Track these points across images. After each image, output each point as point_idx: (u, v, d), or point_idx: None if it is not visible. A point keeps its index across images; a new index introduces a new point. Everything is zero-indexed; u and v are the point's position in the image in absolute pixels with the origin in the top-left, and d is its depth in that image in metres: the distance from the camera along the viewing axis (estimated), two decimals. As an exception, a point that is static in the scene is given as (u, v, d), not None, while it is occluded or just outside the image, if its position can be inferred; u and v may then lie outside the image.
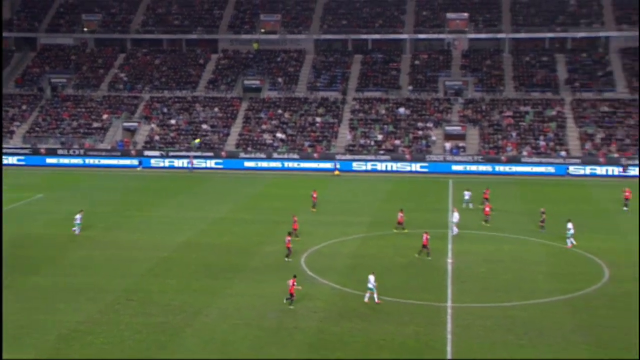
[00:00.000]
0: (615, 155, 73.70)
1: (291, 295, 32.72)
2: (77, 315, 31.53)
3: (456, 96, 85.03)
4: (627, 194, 54.22)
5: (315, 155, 78.00)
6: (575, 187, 66.14)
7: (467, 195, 54.64)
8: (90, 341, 28.84)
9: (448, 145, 78.01)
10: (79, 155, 79.79)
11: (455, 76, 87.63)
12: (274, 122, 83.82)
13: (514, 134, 78.40)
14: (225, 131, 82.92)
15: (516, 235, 46.22)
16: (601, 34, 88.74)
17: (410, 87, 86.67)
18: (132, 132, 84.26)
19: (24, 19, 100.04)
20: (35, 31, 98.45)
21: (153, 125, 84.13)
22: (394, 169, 75.68)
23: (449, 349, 28.08)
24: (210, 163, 77.94)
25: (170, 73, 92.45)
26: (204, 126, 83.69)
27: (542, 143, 76.50)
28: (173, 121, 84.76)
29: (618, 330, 29.79)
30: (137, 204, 57.09)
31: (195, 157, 77.67)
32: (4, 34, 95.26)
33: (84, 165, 78.28)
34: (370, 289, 33.08)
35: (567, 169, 72.43)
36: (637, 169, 70.32)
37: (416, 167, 75.53)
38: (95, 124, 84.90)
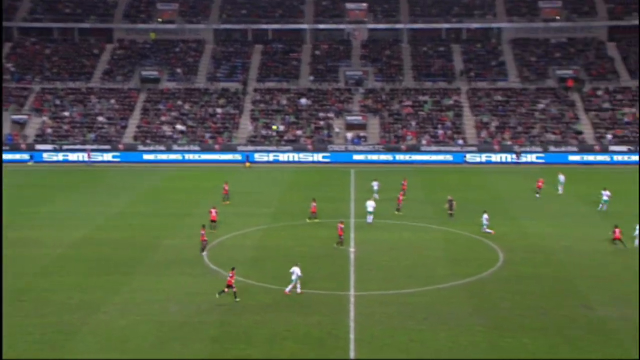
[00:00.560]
0: (509, 142, 76.89)
1: (229, 286, 32.38)
2: (-36, 319, 29.97)
3: (357, 86, 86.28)
4: (540, 183, 56.20)
5: (217, 146, 77.32)
6: (472, 174, 68.56)
7: (375, 185, 55.47)
8: (-21, 346, 27.52)
9: (349, 135, 79.09)
10: (-37, 150, 75.82)
11: (355, 66, 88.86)
12: (173, 113, 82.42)
13: (413, 123, 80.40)
14: (123, 123, 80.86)
15: (416, 223, 47.46)
16: (494, 25, 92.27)
17: (311, 77, 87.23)
18: (21, 125, 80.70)
19: None
20: None
21: (45, 118, 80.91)
22: (296, 159, 76.04)
23: (351, 336, 28.58)
24: (107, 156, 75.88)
25: (62, 63, 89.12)
26: (100, 118, 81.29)
27: (440, 132, 78.80)
28: (67, 113, 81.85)
29: (511, 312, 31.16)
30: (30, 200, 54.86)
31: (92, 150, 75.38)
32: None
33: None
34: (293, 281, 33.34)
35: (465, 156, 74.99)
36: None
37: (318, 157, 76.21)
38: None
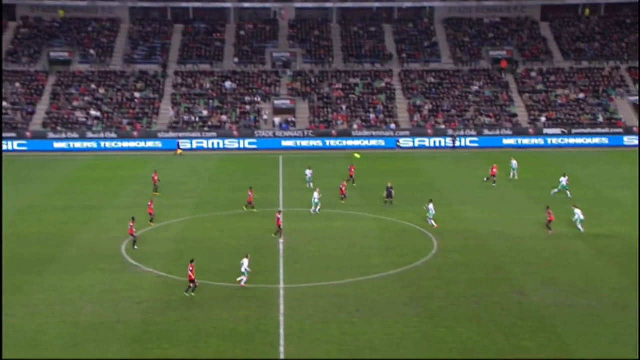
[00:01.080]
0: (442, 126, 78.29)
1: (191, 282, 32.21)
2: None
3: (284, 68, 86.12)
4: (494, 170, 56.92)
5: (135, 133, 76.00)
6: (406, 159, 69.53)
7: (308, 173, 55.51)
8: None
9: (277, 120, 78.99)
10: None
11: (282, 47, 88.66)
12: (87, 98, 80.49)
13: (344, 107, 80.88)
14: (30, 109, 78.49)
15: (349, 212, 47.85)
16: (426, 3, 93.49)
17: (236, 59, 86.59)
18: None
19: None
20: None
21: (-58, 104, 77.79)
22: (221, 146, 75.51)
23: (281, 331, 28.71)
24: (13, 145, 73.59)
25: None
26: (4, 104, 78.62)
27: (372, 116, 79.55)
28: (-33, 98, 78.89)
29: (446, 301, 31.90)
30: None
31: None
32: None
33: None
34: (244, 273, 33.38)
35: (397, 141, 75.96)
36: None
37: (244, 143, 75.86)
38: None
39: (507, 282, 34.19)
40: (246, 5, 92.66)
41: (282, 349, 27.19)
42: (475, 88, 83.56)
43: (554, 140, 76.86)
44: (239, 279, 33.66)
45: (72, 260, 37.70)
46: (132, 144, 74.84)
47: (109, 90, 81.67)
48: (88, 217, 46.17)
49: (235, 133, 76.72)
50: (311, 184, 54.42)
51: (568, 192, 50.86)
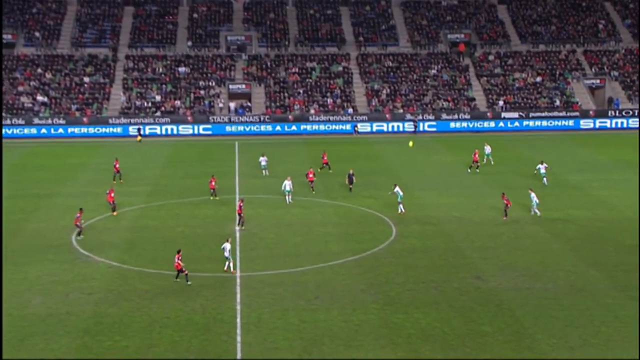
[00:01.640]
0: (401, 111, 78.70)
1: (180, 271, 32.04)
2: None
3: (239, 52, 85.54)
4: (476, 156, 56.97)
5: (85, 119, 74.86)
6: (363, 144, 69.78)
7: (263, 161, 55.12)
8: None
9: (232, 105, 78.51)
10: None
11: (237, 30, 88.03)
12: (32, 83, 78.91)
13: (300, 91, 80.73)
14: (-26, 94, 76.70)
15: (306, 198, 47.86)
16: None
17: (190, 43, 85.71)
18: None
19: None
20: None
21: None
22: (175, 132, 74.81)
23: (238, 320, 28.62)
24: (-44, 132, 71.86)
25: None
26: (-54, 89, 76.73)
27: (329, 100, 79.58)
28: None
29: (404, 287, 32.15)
30: None
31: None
32: None
33: None
34: (228, 258, 33.41)
35: (355, 126, 76.16)
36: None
37: (199, 129, 75.28)
38: None
39: (466, 267, 34.60)
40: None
41: (239, 338, 27.11)
42: (433, 72, 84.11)
43: (512, 124, 77.89)
44: (225, 268, 33.66)
45: (18, 251, 37.00)
46: (82, 130, 73.83)
47: (56, 74, 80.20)
48: (36, 206, 45.40)
49: (189, 119, 76.07)
50: (266, 172, 54.15)
51: (545, 180, 51.30)
